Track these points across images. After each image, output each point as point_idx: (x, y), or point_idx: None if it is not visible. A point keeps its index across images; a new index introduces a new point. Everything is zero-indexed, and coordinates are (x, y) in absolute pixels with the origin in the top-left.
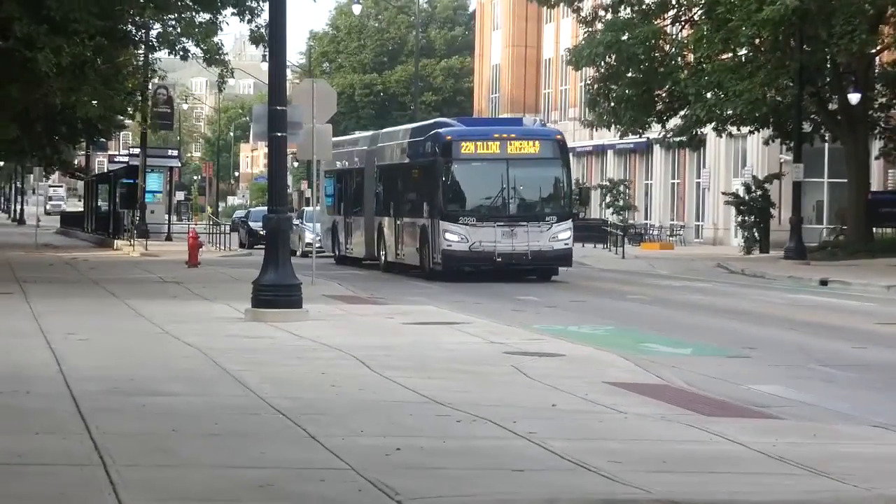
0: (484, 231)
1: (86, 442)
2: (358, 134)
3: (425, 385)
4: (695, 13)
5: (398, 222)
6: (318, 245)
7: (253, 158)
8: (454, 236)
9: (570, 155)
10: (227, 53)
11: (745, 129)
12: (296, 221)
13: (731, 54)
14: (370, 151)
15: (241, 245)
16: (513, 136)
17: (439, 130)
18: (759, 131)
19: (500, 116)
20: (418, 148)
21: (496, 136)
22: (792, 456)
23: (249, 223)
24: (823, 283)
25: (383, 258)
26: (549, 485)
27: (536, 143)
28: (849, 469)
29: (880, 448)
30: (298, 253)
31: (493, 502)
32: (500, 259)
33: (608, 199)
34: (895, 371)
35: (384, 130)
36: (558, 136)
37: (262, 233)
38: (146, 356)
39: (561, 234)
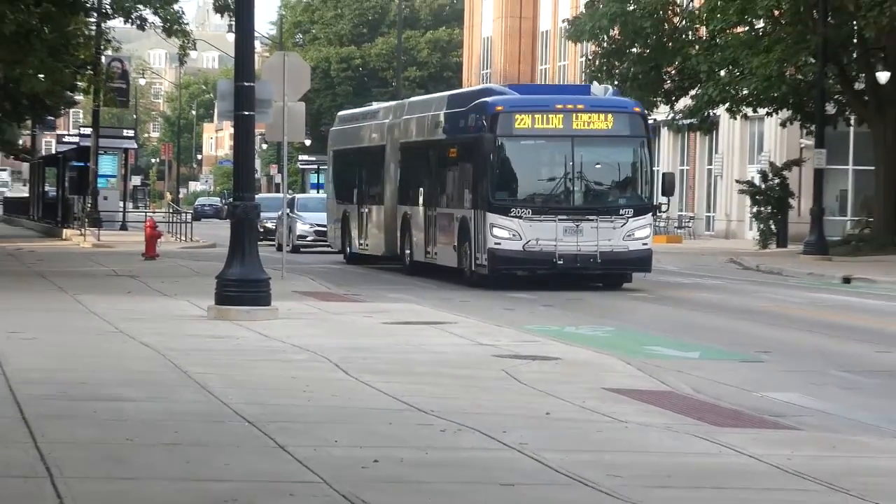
0: (542, 226)
1: (31, 451)
2: (376, 105)
3: (406, 391)
4: None
5: (429, 213)
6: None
7: (217, 140)
8: (504, 232)
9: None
10: (188, 23)
11: (761, 111)
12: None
13: (747, 27)
14: (393, 126)
15: (280, 248)
16: (580, 107)
17: (486, 99)
18: (777, 113)
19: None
20: (458, 121)
21: (559, 107)
22: (808, 470)
23: (298, 214)
24: (846, 280)
25: (408, 258)
26: (541, 501)
27: (610, 116)
28: (871, 485)
29: None
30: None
31: None
32: (561, 262)
33: None
34: None
35: (412, 100)
36: (637, 109)
37: (315, 229)
38: (98, 357)
39: (638, 232)
